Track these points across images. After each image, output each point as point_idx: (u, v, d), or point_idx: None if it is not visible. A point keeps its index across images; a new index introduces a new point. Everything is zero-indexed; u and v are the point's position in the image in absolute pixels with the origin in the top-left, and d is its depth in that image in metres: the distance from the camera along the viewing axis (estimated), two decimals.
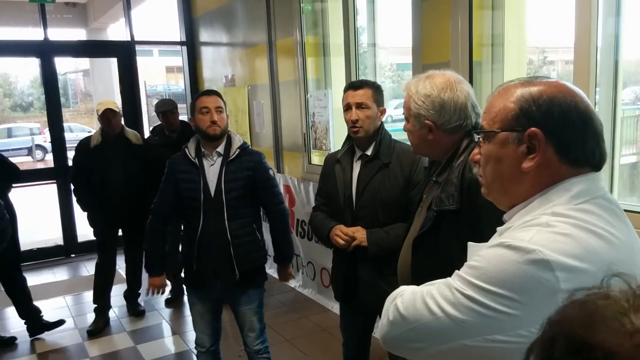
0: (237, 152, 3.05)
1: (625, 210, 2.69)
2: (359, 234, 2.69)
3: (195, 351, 3.35)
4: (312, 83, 5.38)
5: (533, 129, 1.12)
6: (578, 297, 0.60)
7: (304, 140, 5.43)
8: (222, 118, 3.03)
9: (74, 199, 5.04)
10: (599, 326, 0.54)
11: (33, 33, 7.04)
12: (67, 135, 7.26)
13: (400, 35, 4.29)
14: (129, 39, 7.23)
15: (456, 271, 1.14)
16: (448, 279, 1.15)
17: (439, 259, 1.79)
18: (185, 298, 4.49)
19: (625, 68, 2.91)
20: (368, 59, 4.88)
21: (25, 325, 4.63)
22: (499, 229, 1.19)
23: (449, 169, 1.91)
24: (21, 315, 4.64)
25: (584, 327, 0.55)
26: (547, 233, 1.05)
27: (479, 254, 1.11)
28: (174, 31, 7.74)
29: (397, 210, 2.66)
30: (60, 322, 4.70)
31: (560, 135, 1.12)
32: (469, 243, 1.32)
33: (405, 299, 1.20)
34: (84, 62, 19.15)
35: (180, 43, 7.66)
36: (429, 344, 1.14)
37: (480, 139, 1.25)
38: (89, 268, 6.43)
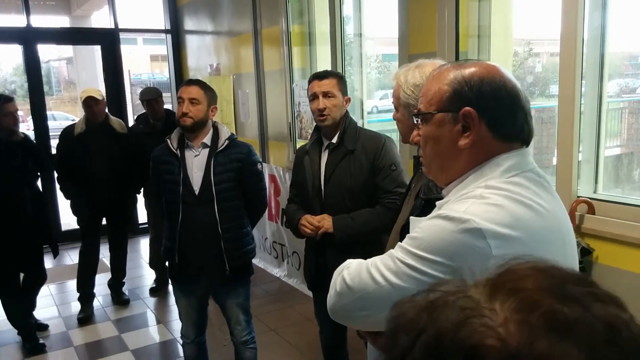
0: (226, 143, 3.00)
1: (610, 202, 2.71)
2: (325, 221, 2.74)
3: (180, 340, 3.35)
4: (297, 72, 5.37)
5: (467, 108, 1.18)
6: (420, 298, 0.55)
7: (289, 129, 5.42)
8: (197, 110, 2.92)
9: (57, 187, 5.02)
10: (462, 325, 0.49)
11: (15, 20, 6.92)
12: (51, 124, 7.16)
13: (387, 25, 4.28)
14: (113, 26, 7.14)
15: (398, 243, 1.20)
16: (391, 250, 1.21)
17: None
18: (170, 287, 4.47)
19: (611, 61, 2.93)
20: (354, 50, 4.87)
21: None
22: (438, 203, 1.26)
23: None
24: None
25: (448, 329, 0.50)
26: (480, 204, 1.11)
27: (419, 226, 1.18)
28: (159, 19, 7.67)
29: (364, 197, 2.72)
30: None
31: (492, 113, 1.19)
32: (411, 217, 1.42)
33: (352, 270, 1.27)
34: (67, 50, 18.89)
35: (165, 31, 7.59)
36: (373, 311, 1.20)
37: (419, 122, 1.30)
38: (72, 256, 6.38)
